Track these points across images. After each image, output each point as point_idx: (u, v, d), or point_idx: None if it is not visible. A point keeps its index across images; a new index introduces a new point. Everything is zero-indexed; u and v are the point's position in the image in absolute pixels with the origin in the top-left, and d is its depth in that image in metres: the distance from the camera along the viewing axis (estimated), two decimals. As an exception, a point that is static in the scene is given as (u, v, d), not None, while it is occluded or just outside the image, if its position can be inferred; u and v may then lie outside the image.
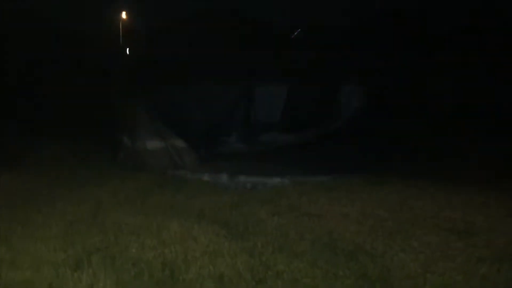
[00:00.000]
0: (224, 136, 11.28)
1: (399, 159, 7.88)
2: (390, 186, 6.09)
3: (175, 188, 6.11)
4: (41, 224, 4.71)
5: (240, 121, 12.29)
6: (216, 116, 11.59)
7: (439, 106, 11.28)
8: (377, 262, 3.80)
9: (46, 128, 10.20)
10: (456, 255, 3.94)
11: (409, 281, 3.47)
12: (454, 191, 5.91)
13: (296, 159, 8.58)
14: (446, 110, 11.05)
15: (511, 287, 3.37)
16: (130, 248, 4.06)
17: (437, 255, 3.95)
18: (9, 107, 11.02)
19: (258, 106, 12.62)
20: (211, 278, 3.49)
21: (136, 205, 5.36)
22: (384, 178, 6.53)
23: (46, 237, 4.34)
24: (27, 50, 14.12)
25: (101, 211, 5.14)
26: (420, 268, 3.69)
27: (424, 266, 3.72)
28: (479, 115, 10.39)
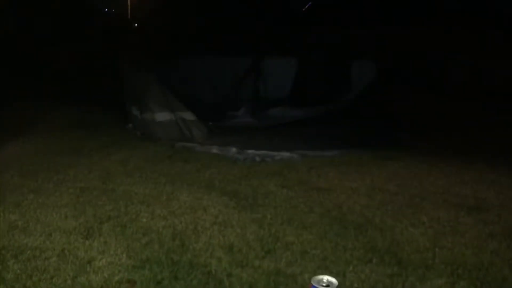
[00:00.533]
0: (232, 110, 11.21)
1: (409, 134, 7.80)
2: (400, 161, 6.06)
3: (184, 160, 6.12)
4: (52, 192, 4.76)
5: (249, 95, 12.19)
6: (224, 89, 11.50)
7: (451, 82, 11.13)
8: (386, 235, 3.81)
9: (56, 96, 10.25)
10: (465, 230, 3.94)
11: (418, 255, 3.48)
12: (464, 167, 5.86)
13: (306, 134, 8.51)
14: (457, 87, 10.91)
15: (521, 262, 3.36)
16: (140, 218, 4.10)
17: (446, 230, 3.95)
18: (19, 74, 11.06)
19: (267, 80, 12.50)
20: (221, 248, 3.52)
21: (146, 175, 5.37)
22: (394, 153, 6.48)
23: (58, 205, 4.39)
24: (40, 18, 14.10)
25: (110, 180, 5.17)
26: (429, 242, 3.70)
27: (433, 241, 3.72)
28: (492, 91, 10.26)
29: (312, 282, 1.93)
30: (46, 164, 5.77)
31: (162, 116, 7.75)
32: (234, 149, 6.81)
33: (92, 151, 6.45)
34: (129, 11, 26.39)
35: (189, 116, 7.99)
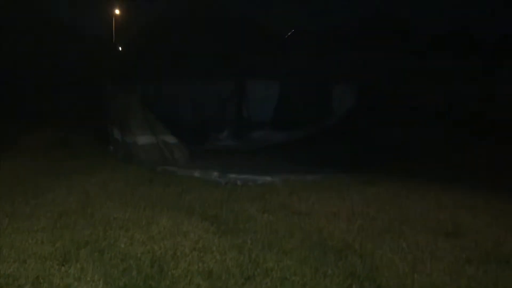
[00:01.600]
0: (215, 133, 11.24)
1: (389, 159, 7.91)
2: (379, 186, 6.12)
3: (165, 183, 6.08)
4: (28, 215, 4.66)
5: (232, 118, 12.26)
6: (207, 112, 11.56)
7: (429, 108, 11.37)
8: (366, 261, 3.82)
9: (37, 118, 10.13)
10: (443, 255, 3.97)
11: (397, 281, 3.48)
12: (442, 191, 5.96)
13: (287, 157, 8.58)
14: (436, 112, 11.15)
15: (497, 288, 3.39)
16: (119, 243, 4.03)
17: (425, 255, 3.97)
18: (2, 96, 10.94)
19: (250, 103, 12.61)
20: (200, 275, 3.48)
21: (126, 198, 5.32)
22: (374, 177, 6.56)
23: (34, 229, 4.28)
24: (22, 42, 14.04)
25: (90, 203, 5.10)
26: (408, 267, 3.71)
27: (412, 266, 3.74)
28: (469, 117, 10.50)
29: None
30: (24, 186, 5.67)
31: (144, 139, 7.74)
32: (216, 173, 6.81)
33: (72, 173, 6.38)
34: (113, 34, 26.48)
35: (171, 139, 8.00)
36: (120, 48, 22.32)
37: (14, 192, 5.44)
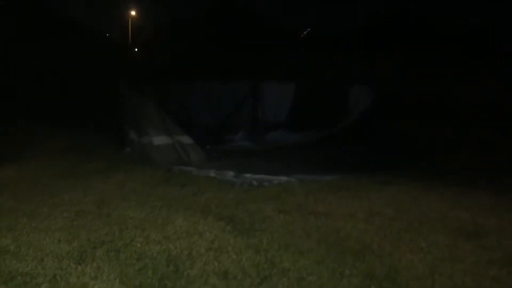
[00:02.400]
0: (230, 134, 11.22)
1: (407, 159, 7.79)
2: (398, 186, 6.02)
3: (181, 184, 6.08)
4: (46, 215, 4.70)
5: (247, 119, 12.23)
6: (223, 113, 11.54)
7: (448, 107, 11.20)
8: (384, 262, 3.75)
9: (54, 120, 10.26)
10: (465, 256, 3.88)
11: (416, 282, 3.41)
12: (463, 191, 5.84)
13: (303, 158, 8.50)
14: (454, 111, 10.97)
15: (522, 290, 3.29)
16: (135, 242, 4.04)
17: (445, 255, 3.89)
18: (17, 98, 11.10)
19: (265, 104, 12.55)
20: (216, 274, 3.46)
21: (141, 199, 5.32)
22: (392, 177, 6.45)
23: (51, 229, 4.32)
24: (39, 44, 14.26)
25: (106, 203, 5.12)
26: (428, 268, 3.63)
27: (432, 267, 3.66)
28: (488, 116, 10.31)
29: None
30: (41, 188, 5.72)
31: (160, 140, 7.75)
32: (231, 173, 6.78)
33: (88, 175, 6.41)
34: (130, 36, 26.76)
35: (186, 140, 7.99)
36: (136, 49, 22.54)
37: (32, 193, 5.50)
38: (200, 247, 3.95)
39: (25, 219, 4.55)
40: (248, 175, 6.68)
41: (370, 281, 3.40)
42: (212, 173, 6.77)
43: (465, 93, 11.69)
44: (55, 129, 9.43)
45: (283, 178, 6.57)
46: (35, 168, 6.85)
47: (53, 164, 7.07)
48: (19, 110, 10.98)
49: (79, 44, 16.33)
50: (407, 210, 5.06)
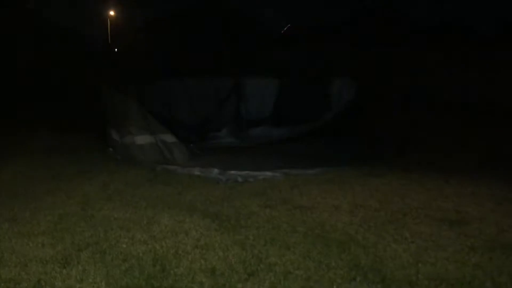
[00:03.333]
0: (214, 131, 11.21)
1: (390, 151, 7.88)
2: (381, 178, 6.09)
3: (165, 182, 6.06)
4: (28, 219, 4.63)
5: (230, 116, 12.22)
6: (206, 110, 11.52)
7: (429, 99, 11.33)
8: (369, 252, 3.79)
9: (34, 122, 10.09)
10: (448, 244, 3.94)
11: (401, 271, 3.45)
12: (444, 180, 5.93)
13: (288, 153, 8.55)
14: (435, 102, 11.11)
15: (503, 275, 3.36)
16: (120, 243, 4.01)
17: (429, 244, 3.95)
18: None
19: (248, 101, 12.56)
20: (203, 272, 3.45)
21: (126, 199, 5.29)
22: (376, 170, 6.53)
23: (34, 233, 4.26)
24: (17, 43, 14.02)
25: (90, 205, 5.07)
26: (412, 258, 3.68)
27: (416, 256, 3.71)
28: (468, 105, 10.47)
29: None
30: (23, 191, 5.64)
31: (143, 139, 7.71)
32: (216, 170, 6.78)
33: (71, 177, 6.34)
34: (109, 35, 26.45)
35: (170, 138, 7.97)
36: (116, 49, 22.29)
37: (13, 197, 5.42)
38: (187, 245, 3.94)
39: (6, 224, 4.48)
40: (233, 171, 6.70)
41: (355, 272, 3.44)
42: (196, 171, 6.76)
43: (447, 84, 11.85)
44: (35, 130, 9.28)
45: (268, 174, 6.60)
46: (16, 170, 6.74)
47: (35, 166, 6.97)
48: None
49: (58, 44, 16.08)
50: (391, 201, 5.12)
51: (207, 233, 4.22)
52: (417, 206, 4.94)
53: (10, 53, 14.05)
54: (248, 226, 4.39)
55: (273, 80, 12.68)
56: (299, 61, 14.84)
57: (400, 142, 8.59)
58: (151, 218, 4.62)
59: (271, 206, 5.00)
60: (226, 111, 11.90)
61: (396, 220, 4.55)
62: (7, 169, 6.79)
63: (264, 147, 9.14)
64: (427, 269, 3.48)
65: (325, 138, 9.84)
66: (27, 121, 10.14)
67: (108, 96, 9.06)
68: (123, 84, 10.16)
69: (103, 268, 3.52)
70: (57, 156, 7.56)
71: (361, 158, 7.58)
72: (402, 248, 3.87)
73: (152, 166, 7.00)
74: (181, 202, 5.22)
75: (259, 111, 12.06)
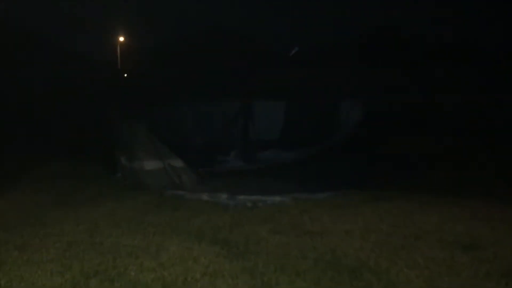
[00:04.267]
0: (223, 155, 11.22)
1: (399, 173, 7.80)
2: (392, 201, 6.01)
3: (174, 208, 6.02)
4: (38, 247, 4.61)
5: (239, 139, 12.25)
6: (214, 134, 11.57)
7: (440, 119, 11.28)
8: (381, 278, 3.71)
9: (44, 148, 10.15)
10: (462, 270, 3.85)
11: (415, 298, 3.37)
12: (456, 203, 5.83)
13: (297, 176, 8.51)
14: (445, 123, 11.05)
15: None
16: (129, 271, 3.96)
17: (442, 270, 3.85)
18: (7, 126, 10.98)
19: (257, 123, 12.60)
20: (212, 300, 3.39)
21: (134, 225, 5.26)
22: (386, 192, 6.46)
23: (43, 261, 4.23)
24: (28, 70, 14.24)
25: (98, 232, 5.05)
26: (425, 284, 3.59)
27: (430, 282, 3.62)
28: (478, 126, 10.39)
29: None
30: (32, 218, 5.64)
31: (151, 164, 7.72)
32: (224, 196, 6.76)
33: (79, 203, 6.35)
34: (118, 60, 26.84)
35: (178, 163, 7.97)
36: (125, 75, 22.56)
37: (22, 224, 5.41)
38: (195, 272, 3.89)
39: (16, 252, 4.46)
40: (241, 196, 6.67)
41: (368, 299, 3.36)
42: (205, 196, 6.74)
43: (454, 104, 11.81)
44: (43, 156, 9.33)
45: (277, 198, 6.56)
46: (24, 197, 6.76)
47: (44, 193, 6.99)
48: (5, 136, 10.81)
49: (67, 70, 16.32)
50: (402, 225, 5.04)
51: (216, 260, 4.16)
52: (429, 230, 4.86)
53: (16, 77, 14.25)
54: (258, 253, 4.32)
55: (281, 103, 12.74)
56: (307, 83, 14.91)
57: (409, 164, 8.50)
58: (159, 245, 4.58)
59: (280, 232, 4.94)
60: (235, 135, 11.93)
61: (408, 244, 4.46)
62: (15, 195, 6.82)
63: (273, 170, 9.12)
64: (441, 296, 3.39)
65: (334, 159, 9.78)
66: (34, 147, 10.20)
67: (116, 121, 9.14)
68: (131, 109, 10.25)
69: (112, 297, 3.48)
70: (65, 182, 7.59)
71: (370, 180, 7.51)
72: (415, 274, 3.78)
73: (160, 191, 6.99)
74: (190, 228, 5.17)
75: (268, 134, 12.09)
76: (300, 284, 3.62)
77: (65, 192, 6.98)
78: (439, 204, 5.85)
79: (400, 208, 5.73)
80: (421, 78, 13.73)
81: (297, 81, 15.08)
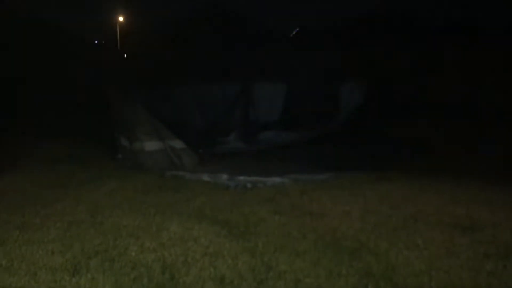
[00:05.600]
0: (223, 136, 11.18)
1: (400, 155, 7.80)
2: (393, 182, 6.03)
3: (174, 189, 6.04)
4: (38, 227, 4.63)
5: (239, 120, 12.19)
6: (214, 115, 11.49)
7: (441, 102, 11.24)
8: (381, 260, 3.73)
9: (44, 129, 10.13)
10: (461, 251, 3.87)
11: (414, 279, 3.40)
12: (458, 186, 5.85)
13: (297, 157, 8.49)
14: (447, 106, 11.01)
15: (519, 283, 3.29)
16: (129, 251, 3.99)
17: (442, 251, 3.88)
18: (6, 107, 10.93)
19: (257, 104, 12.52)
20: (212, 280, 3.42)
21: (135, 206, 5.28)
22: (387, 174, 6.46)
23: (44, 240, 4.26)
24: (25, 51, 14.11)
25: (99, 212, 5.06)
26: (424, 265, 3.62)
27: (429, 263, 3.65)
28: (480, 111, 10.36)
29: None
30: (33, 198, 5.65)
31: (151, 145, 7.71)
32: (225, 176, 6.76)
33: (80, 184, 6.35)
34: (118, 41, 26.66)
35: (178, 144, 7.95)
36: (125, 55, 22.39)
37: (22, 204, 5.42)
38: (196, 253, 3.91)
39: (17, 231, 4.48)
40: (241, 177, 6.67)
41: (367, 279, 3.38)
42: (205, 177, 6.74)
43: (454, 89, 11.75)
44: (43, 138, 9.31)
45: (277, 179, 6.56)
46: (25, 178, 6.76)
47: (44, 175, 6.99)
48: (2, 119, 10.76)
49: (66, 50, 16.20)
50: (402, 207, 5.05)
51: (216, 240, 4.18)
52: (429, 212, 4.88)
53: (15, 59, 14.12)
54: (258, 233, 4.35)
55: (281, 84, 12.64)
56: (308, 64, 14.78)
57: (410, 146, 8.50)
58: (160, 225, 4.60)
59: (280, 212, 4.96)
60: (235, 116, 11.87)
61: (408, 226, 4.49)
62: (15, 177, 6.82)
63: (273, 152, 9.09)
64: (440, 277, 3.42)
65: (335, 142, 9.76)
66: (33, 129, 10.17)
67: (116, 102, 9.08)
68: (131, 89, 10.17)
69: (112, 277, 3.50)
70: (66, 163, 7.58)
71: (371, 163, 7.50)
72: (415, 255, 3.81)
73: (161, 172, 6.99)
74: (190, 208, 5.19)
75: (268, 115, 12.01)
76: (299, 264, 3.65)
77: (65, 173, 6.98)
78: (439, 186, 5.87)
79: (399, 189, 5.75)
80: (423, 59, 13.63)
81: (297, 62, 14.96)
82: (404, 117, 10.52)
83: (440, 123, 9.94)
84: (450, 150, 8.14)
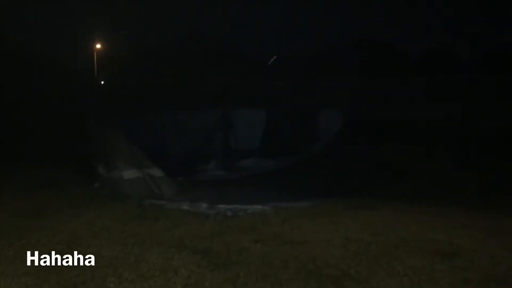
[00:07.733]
0: (203, 164, 11.15)
1: (380, 182, 7.89)
2: (372, 210, 6.07)
3: (153, 218, 5.94)
4: (12, 259, 4.47)
5: (219, 148, 12.21)
6: (194, 143, 11.49)
7: (419, 128, 11.47)
8: (362, 287, 3.73)
9: (21, 157, 9.89)
10: (441, 277, 3.90)
11: (396, 307, 3.39)
12: (436, 212, 5.93)
13: (277, 184, 8.51)
14: (425, 131, 11.24)
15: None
16: (108, 283, 3.88)
17: (422, 278, 3.90)
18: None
19: (237, 132, 12.59)
20: (193, 312, 3.35)
21: (113, 236, 5.16)
22: (366, 201, 6.51)
23: (18, 274, 4.10)
24: (5, 77, 13.92)
25: (76, 243, 4.92)
26: (406, 292, 3.63)
27: (410, 290, 3.66)
28: (457, 136, 10.61)
29: None
30: (7, 228, 5.46)
31: (130, 173, 7.61)
32: (204, 205, 6.69)
33: (57, 213, 6.19)
34: (95, 68, 26.50)
35: (157, 172, 7.88)
36: (102, 82, 22.28)
37: (-3, 235, 5.24)
38: (176, 284, 3.83)
39: (-11, 264, 4.32)
40: (222, 205, 6.61)
41: (350, 309, 3.36)
42: (185, 206, 6.67)
43: (430, 113, 12.04)
44: (18, 165, 9.09)
45: (258, 207, 6.53)
46: (2, 206, 6.54)
47: (19, 203, 6.78)
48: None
49: (44, 78, 16.02)
50: (383, 234, 5.08)
51: (197, 271, 4.11)
52: (409, 239, 4.91)
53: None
54: (239, 263, 4.29)
55: (260, 112, 12.77)
56: (287, 92, 15.00)
57: (389, 172, 8.61)
58: (139, 256, 4.50)
59: (262, 241, 4.92)
60: (215, 143, 11.89)
61: (389, 253, 4.50)
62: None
63: (253, 179, 9.11)
64: (422, 304, 3.43)
65: (314, 169, 9.83)
66: (9, 155, 9.93)
67: (94, 129, 8.99)
68: (109, 118, 10.10)
69: (90, 310, 3.39)
70: (42, 192, 7.39)
71: (350, 189, 7.57)
72: (395, 282, 3.82)
73: (140, 201, 6.88)
74: (170, 238, 5.11)
75: (248, 143, 12.09)
76: (282, 294, 3.60)
77: (41, 202, 6.80)
78: (419, 213, 5.93)
79: (380, 217, 5.79)
80: (400, 88, 13.98)
81: (276, 90, 15.17)
82: (384, 144, 10.68)
83: (419, 150, 10.12)
84: (427, 176, 8.27)
